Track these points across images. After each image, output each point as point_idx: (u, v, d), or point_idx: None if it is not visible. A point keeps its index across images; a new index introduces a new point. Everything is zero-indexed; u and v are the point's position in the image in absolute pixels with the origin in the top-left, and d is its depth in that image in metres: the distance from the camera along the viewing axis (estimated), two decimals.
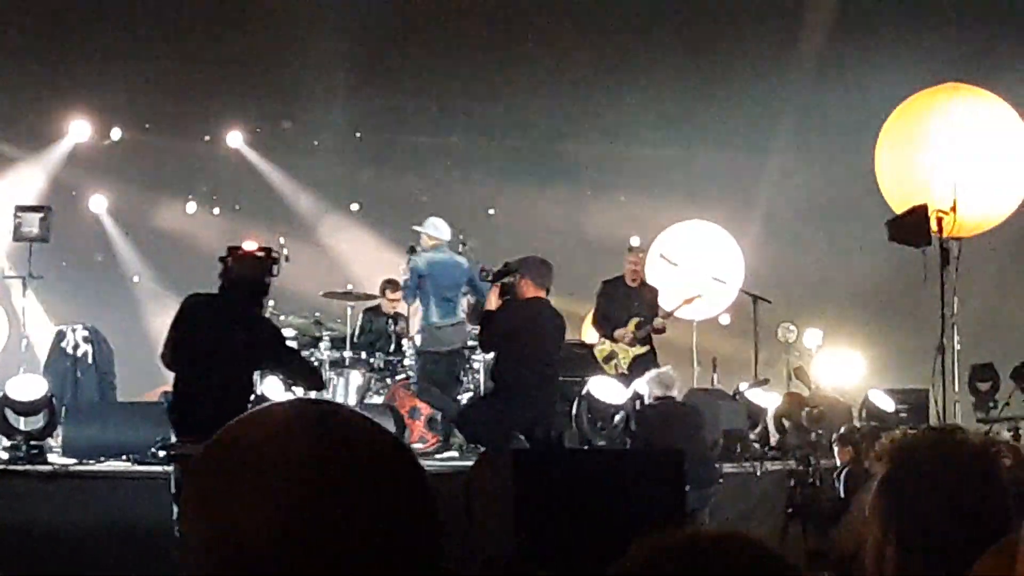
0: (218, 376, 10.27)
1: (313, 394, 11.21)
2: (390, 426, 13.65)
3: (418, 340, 15.53)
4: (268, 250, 10.97)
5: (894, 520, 3.05)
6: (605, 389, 14.63)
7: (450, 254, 15.48)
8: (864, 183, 16.87)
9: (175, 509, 10.06)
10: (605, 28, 19.75)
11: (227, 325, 10.42)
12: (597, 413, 14.52)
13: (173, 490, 10.21)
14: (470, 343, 15.48)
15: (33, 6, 18.92)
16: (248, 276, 10.70)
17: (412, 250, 15.58)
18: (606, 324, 16.21)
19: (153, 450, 13.68)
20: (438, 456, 14.80)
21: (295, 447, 1.68)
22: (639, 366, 15.14)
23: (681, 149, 20.74)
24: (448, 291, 15.31)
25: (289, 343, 11.21)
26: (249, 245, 11.09)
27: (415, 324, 15.77)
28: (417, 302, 15.42)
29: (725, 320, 19.27)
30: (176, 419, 10.74)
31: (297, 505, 1.64)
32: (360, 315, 16.93)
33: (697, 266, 18.54)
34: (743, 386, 16.40)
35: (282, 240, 17.23)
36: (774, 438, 15.73)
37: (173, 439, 10.64)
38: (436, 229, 15.57)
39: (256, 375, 11.35)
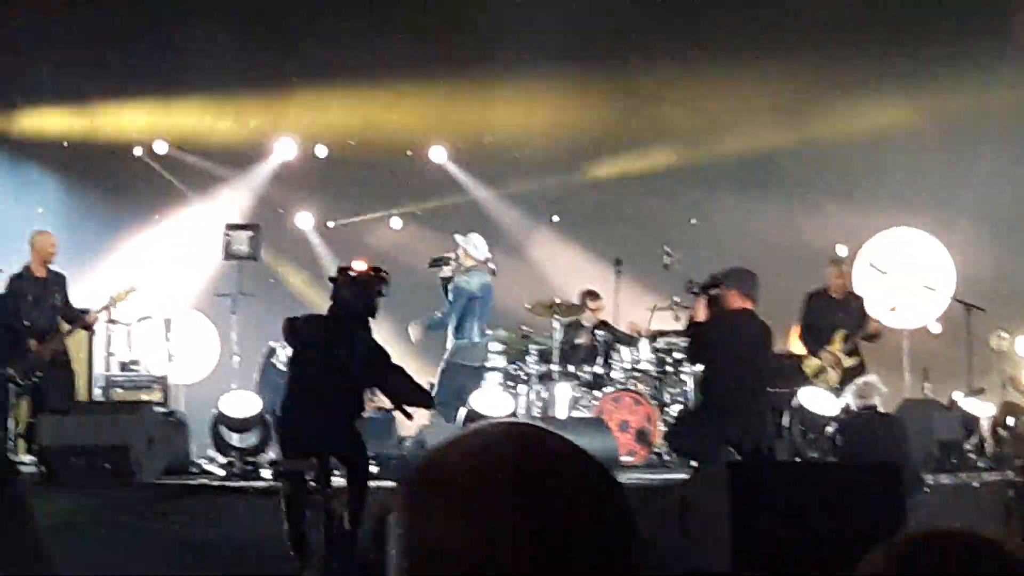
0: (324, 395, 10.50)
1: (410, 409, 11.41)
2: (600, 440, 13.85)
3: (457, 355, 15.87)
4: (377, 270, 11.19)
5: None
6: (817, 400, 14.65)
7: (487, 274, 16.03)
8: None
9: (285, 526, 10.32)
10: (812, 37, 19.60)
11: (334, 345, 10.65)
12: (809, 425, 14.54)
13: (283, 507, 10.43)
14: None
15: (238, 29, 19.28)
16: (356, 297, 10.95)
17: (441, 261, 16.01)
18: (811, 337, 16.20)
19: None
20: (648, 469, 14.93)
21: (497, 467, 1.75)
22: (850, 379, 15.08)
23: (887, 155, 20.51)
24: (487, 311, 15.96)
25: (393, 361, 11.29)
26: (359, 265, 11.32)
27: (449, 338, 16.02)
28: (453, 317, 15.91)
29: (936, 328, 19.02)
30: (283, 436, 11.01)
31: (501, 522, 1.71)
32: (566, 328, 17.05)
33: (906, 274, 18.41)
34: (957, 396, 16.22)
35: (488, 255, 17.48)
36: (990, 448, 15.57)
37: (272, 455, 10.85)
38: (476, 248, 16.08)
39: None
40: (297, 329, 11.14)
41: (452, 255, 16.08)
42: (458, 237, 16.34)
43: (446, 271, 16.03)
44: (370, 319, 11.13)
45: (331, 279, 11.33)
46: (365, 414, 15.04)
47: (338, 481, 10.82)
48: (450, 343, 15.91)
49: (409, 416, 11.49)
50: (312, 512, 10.25)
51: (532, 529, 1.70)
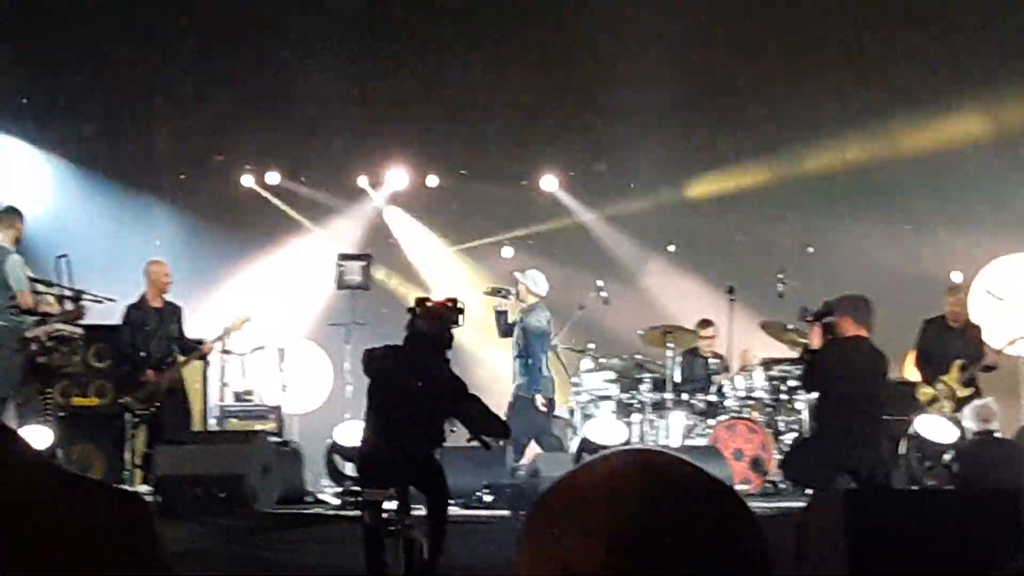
0: (402, 426, 10.54)
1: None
2: (715, 468, 13.80)
3: (528, 389, 16.18)
4: (454, 301, 11.24)
5: None
6: (934, 427, 14.54)
7: (546, 309, 16.48)
8: None
9: (364, 555, 10.35)
10: (925, 52, 19.49)
11: (410, 375, 10.69)
12: (926, 452, 14.42)
13: (363, 537, 10.47)
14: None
15: (349, 59, 19.52)
16: (432, 327, 11.00)
17: (500, 292, 16.37)
18: (927, 366, 16.09)
19: (479, 494, 14.09)
20: (762, 497, 14.89)
21: (625, 491, 1.76)
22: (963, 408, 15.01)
23: (1003, 178, 20.31)
24: (548, 345, 16.41)
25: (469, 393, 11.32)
26: (436, 297, 11.40)
27: (515, 375, 16.35)
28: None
29: None
30: (361, 467, 11.06)
31: (627, 546, 1.71)
32: (680, 356, 17.07)
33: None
34: None
35: (600, 283, 17.59)
36: None
37: (355, 487, 10.88)
38: (536, 285, 16.45)
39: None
40: (375, 360, 11.22)
41: (511, 289, 16.36)
42: (517, 274, 16.73)
43: (503, 305, 16.29)
44: (446, 350, 11.18)
45: (409, 310, 11.41)
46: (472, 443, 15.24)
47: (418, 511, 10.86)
48: (519, 379, 16.16)
49: (487, 446, 11.50)
50: (392, 542, 10.28)
51: (662, 552, 1.71)
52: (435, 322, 11.12)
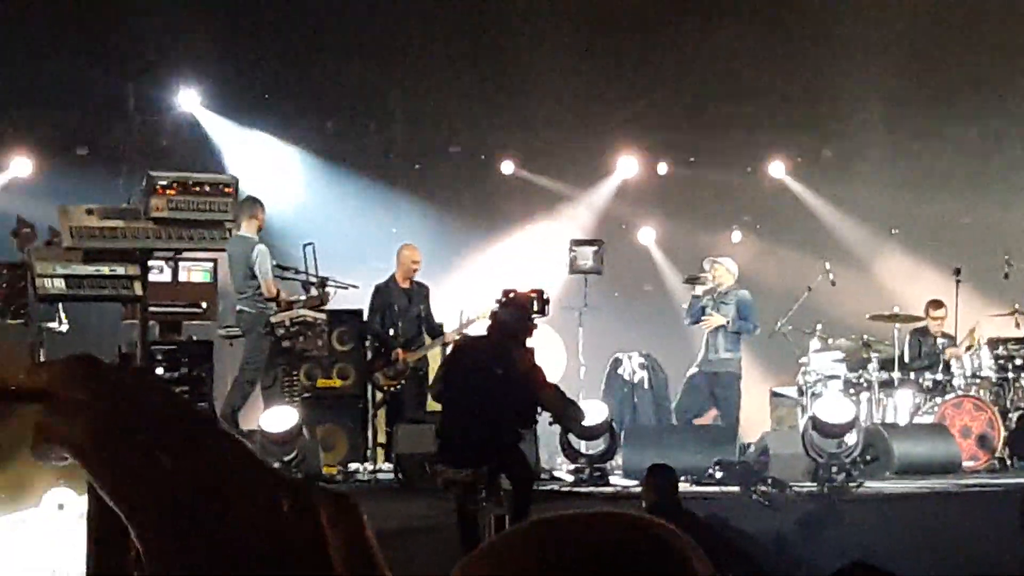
0: (483, 412, 10.83)
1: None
2: (942, 445, 14.18)
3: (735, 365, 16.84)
4: (540, 293, 11.50)
5: None
6: None
7: None
8: None
9: (458, 530, 10.76)
10: None
11: (492, 364, 10.98)
12: None
13: (457, 514, 10.86)
14: None
15: (575, 57, 19.86)
16: (513, 318, 11.35)
17: (697, 280, 16.82)
18: None
19: (710, 471, 14.50)
20: (990, 474, 15.08)
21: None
22: None
23: None
24: None
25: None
26: (521, 289, 11.67)
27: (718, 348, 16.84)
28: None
29: None
30: (442, 448, 11.32)
31: None
32: (908, 336, 17.27)
33: None
34: None
35: (828, 266, 17.88)
36: None
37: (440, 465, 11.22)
38: (731, 271, 17.07)
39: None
40: (455, 350, 11.61)
41: (707, 275, 16.78)
42: (709, 261, 17.20)
43: (698, 289, 16.73)
44: (527, 338, 11.51)
45: (497, 300, 11.73)
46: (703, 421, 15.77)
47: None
48: (725, 353, 16.73)
49: (569, 430, 11.66)
50: (482, 518, 10.55)
51: None
52: (516, 313, 11.50)
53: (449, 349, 11.77)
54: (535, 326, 11.67)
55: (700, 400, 16.81)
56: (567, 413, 11.65)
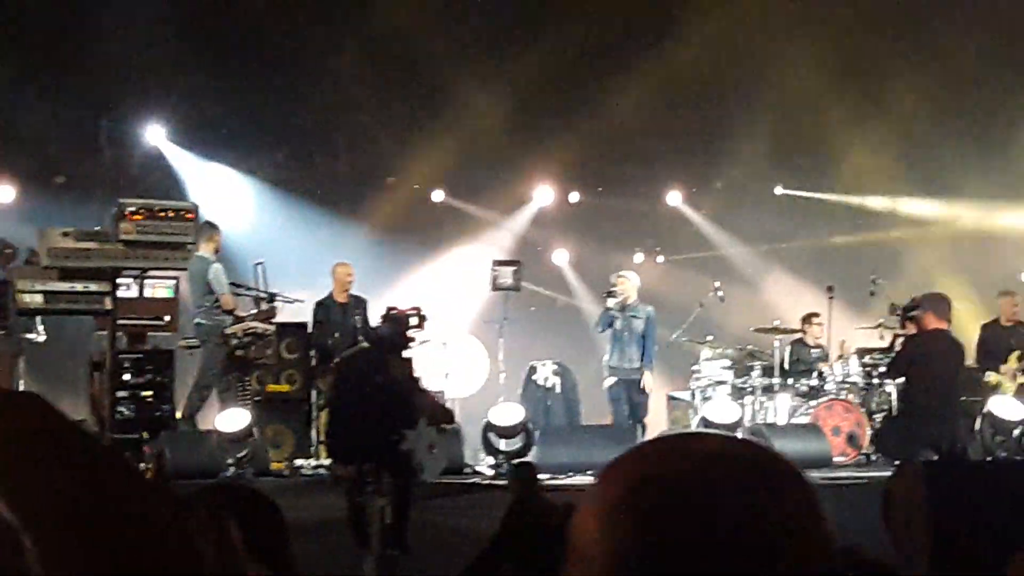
0: (365, 414, 10.99)
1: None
2: (815, 443, 14.45)
3: (639, 375, 16.58)
4: (417, 310, 11.68)
5: None
6: (1005, 407, 14.95)
7: None
8: None
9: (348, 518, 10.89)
10: None
11: (372, 373, 11.23)
12: (999, 428, 14.80)
13: (347, 504, 10.97)
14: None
15: (506, 96, 19.96)
16: (392, 332, 11.54)
17: (612, 294, 16.60)
18: (987, 359, 16.53)
19: None
20: (856, 467, 15.29)
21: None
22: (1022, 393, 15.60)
23: None
24: None
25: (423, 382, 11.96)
26: (399, 307, 11.87)
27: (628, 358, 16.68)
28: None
29: None
30: (331, 449, 11.75)
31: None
32: (788, 347, 17.52)
33: None
34: None
35: (717, 284, 18.08)
36: None
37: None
38: (635, 285, 16.87)
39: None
40: (346, 360, 11.84)
41: (618, 289, 16.69)
42: (615, 275, 17.04)
43: (610, 302, 16.62)
44: (404, 351, 11.64)
45: (381, 316, 11.93)
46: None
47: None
48: (636, 363, 16.54)
49: (441, 430, 11.82)
50: (369, 508, 10.71)
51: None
52: (395, 328, 11.58)
53: (336, 362, 12.00)
54: (413, 339, 11.78)
55: (623, 408, 16.68)
56: (436, 416, 11.72)
